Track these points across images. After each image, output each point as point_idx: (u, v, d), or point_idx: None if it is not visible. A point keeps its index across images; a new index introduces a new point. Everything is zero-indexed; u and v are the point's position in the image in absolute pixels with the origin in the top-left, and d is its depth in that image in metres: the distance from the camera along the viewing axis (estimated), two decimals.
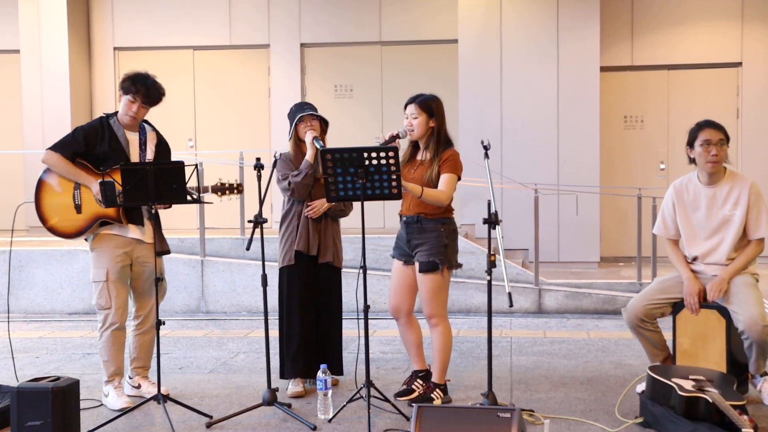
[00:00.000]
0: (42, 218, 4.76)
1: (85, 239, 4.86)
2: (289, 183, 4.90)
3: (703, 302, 4.66)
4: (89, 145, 4.73)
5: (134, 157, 4.81)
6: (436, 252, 4.62)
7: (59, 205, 4.74)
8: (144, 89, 4.76)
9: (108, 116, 4.86)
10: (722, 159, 4.64)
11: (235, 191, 4.86)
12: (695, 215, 4.74)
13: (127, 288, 4.88)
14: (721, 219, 4.67)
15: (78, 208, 4.73)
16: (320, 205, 4.94)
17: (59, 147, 4.74)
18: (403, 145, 4.77)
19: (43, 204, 4.76)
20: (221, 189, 4.83)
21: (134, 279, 4.90)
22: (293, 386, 4.99)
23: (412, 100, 4.71)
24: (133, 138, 4.85)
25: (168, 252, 4.87)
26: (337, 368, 5.11)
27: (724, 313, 4.56)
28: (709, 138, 4.62)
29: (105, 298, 4.78)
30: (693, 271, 4.74)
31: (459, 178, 4.66)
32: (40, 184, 4.77)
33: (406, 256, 4.78)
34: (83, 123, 4.95)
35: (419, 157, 4.75)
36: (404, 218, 4.76)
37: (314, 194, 4.97)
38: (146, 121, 4.98)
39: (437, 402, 4.69)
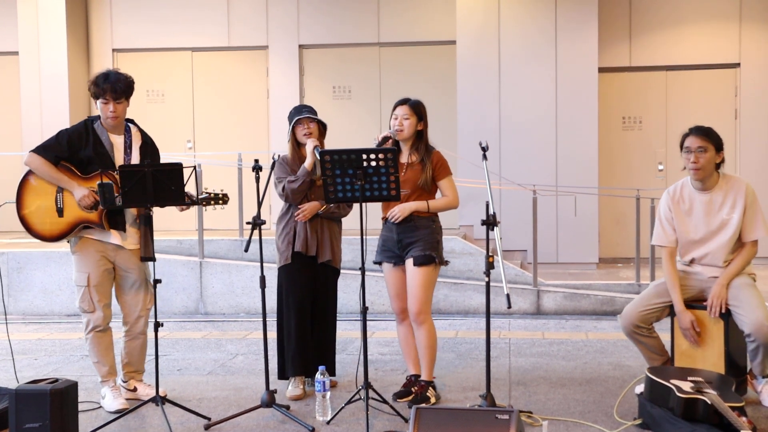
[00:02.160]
0: (23, 220, 4.70)
1: (67, 241, 4.81)
2: (283, 188, 4.93)
3: (701, 302, 4.66)
4: (73, 149, 4.67)
5: (119, 160, 4.74)
6: (431, 247, 4.72)
7: (41, 208, 4.67)
8: (108, 86, 4.67)
9: (92, 120, 4.80)
10: (703, 166, 4.59)
11: (220, 201, 4.82)
12: (692, 222, 4.71)
13: (110, 291, 4.85)
14: (719, 223, 4.65)
15: (60, 212, 4.66)
16: (310, 208, 4.95)
17: (42, 150, 4.67)
18: None
19: (25, 206, 4.70)
20: (206, 200, 4.78)
21: (118, 286, 4.88)
22: (292, 388, 4.99)
23: (403, 102, 4.81)
24: (117, 141, 4.78)
25: (152, 259, 4.68)
26: (329, 370, 5.10)
27: (723, 314, 4.55)
28: (689, 145, 4.63)
29: (87, 302, 4.76)
30: (691, 271, 4.74)
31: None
32: (23, 186, 4.71)
33: (396, 258, 4.82)
34: None
35: (404, 159, 4.81)
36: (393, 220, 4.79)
37: (312, 196, 4.98)
38: (131, 121, 4.91)
39: (433, 400, 4.73)
